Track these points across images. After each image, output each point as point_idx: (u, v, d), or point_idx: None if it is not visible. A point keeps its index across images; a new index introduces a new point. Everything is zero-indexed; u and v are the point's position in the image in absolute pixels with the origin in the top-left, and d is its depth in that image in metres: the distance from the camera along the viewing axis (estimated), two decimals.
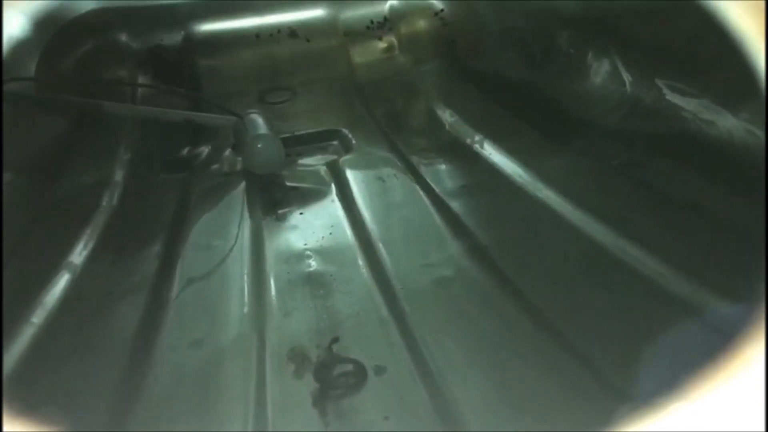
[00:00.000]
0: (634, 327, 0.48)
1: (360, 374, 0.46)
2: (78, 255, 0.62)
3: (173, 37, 1.03)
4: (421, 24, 1.08)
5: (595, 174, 0.69)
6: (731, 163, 0.60)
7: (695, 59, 0.63)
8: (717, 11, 0.31)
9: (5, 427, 0.19)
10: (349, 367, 0.47)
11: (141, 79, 1.00)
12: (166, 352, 0.51)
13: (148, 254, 0.65)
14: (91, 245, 0.65)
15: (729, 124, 0.61)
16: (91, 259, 0.63)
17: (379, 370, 0.47)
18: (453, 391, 0.45)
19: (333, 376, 0.46)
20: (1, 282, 0.49)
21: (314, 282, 0.58)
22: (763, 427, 0.20)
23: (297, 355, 0.49)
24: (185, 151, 0.86)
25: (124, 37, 1.02)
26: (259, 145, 0.77)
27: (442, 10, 1.08)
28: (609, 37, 0.78)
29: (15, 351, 0.49)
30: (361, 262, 0.61)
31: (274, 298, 0.56)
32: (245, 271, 0.60)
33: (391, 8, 1.09)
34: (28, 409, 0.21)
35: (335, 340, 0.50)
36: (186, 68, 1.01)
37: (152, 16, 1.02)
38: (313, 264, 0.61)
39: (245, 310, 0.55)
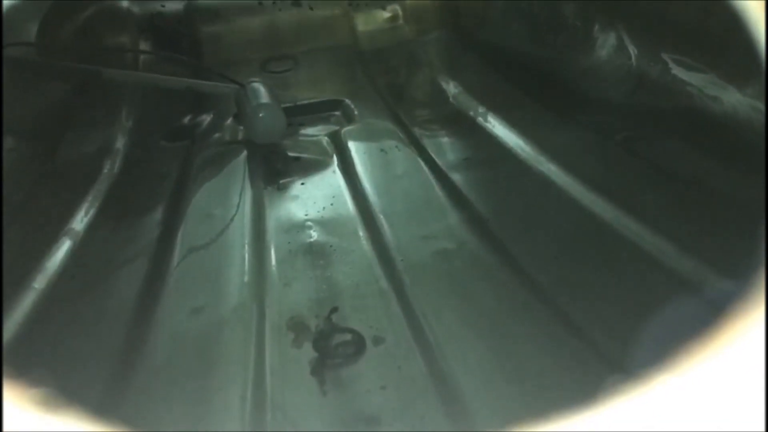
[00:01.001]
0: (634, 302, 0.48)
1: (358, 344, 0.47)
2: (79, 222, 0.63)
3: (175, 4, 1.02)
4: None
5: (598, 148, 0.69)
6: (735, 139, 0.60)
7: (702, 35, 0.63)
8: None
9: (5, 411, 0.19)
10: (348, 337, 0.47)
11: (142, 46, 1.00)
12: (166, 319, 0.52)
13: (149, 222, 0.65)
14: (92, 212, 0.65)
15: (734, 99, 0.61)
16: (93, 226, 0.63)
17: (378, 341, 0.47)
18: (450, 362, 0.45)
19: (332, 345, 0.47)
20: (1, 281, 0.49)
21: (315, 252, 0.58)
22: (763, 427, 0.20)
23: (296, 325, 0.49)
24: (187, 119, 0.85)
25: (125, 3, 1.00)
26: (261, 115, 0.76)
27: None
28: (615, 9, 0.77)
29: (16, 316, 0.49)
30: (361, 233, 0.61)
31: (274, 267, 0.56)
32: (246, 241, 0.60)
33: None
34: (28, 373, 0.21)
35: (334, 310, 0.50)
36: (187, 35, 1.00)
37: None
38: (314, 234, 0.61)
39: (245, 279, 0.55)
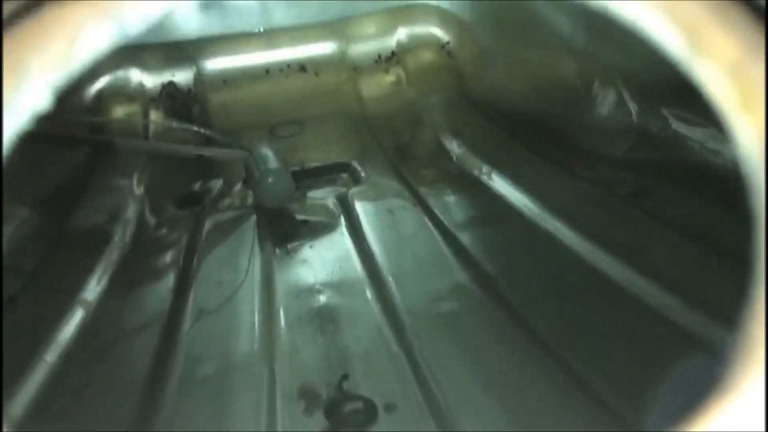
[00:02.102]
0: (641, 357, 0.48)
1: (370, 412, 0.46)
2: (91, 291, 0.63)
3: (185, 74, 1.05)
4: (428, 57, 1.10)
5: (602, 203, 0.69)
6: (739, 191, 0.60)
7: (699, 90, 0.63)
8: None
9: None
10: (359, 404, 0.47)
11: (153, 115, 1.02)
12: (177, 387, 0.51)
13: (160, 289, 0.65)
14: (104, 281, 0.65)
15: (735, 153, 0.61)
16: (104, 295, 0.63)
17: (389, 408, 0.47)
18: (463, 424, 0.44)
19: (343, 413, 0.46)
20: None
21: (324, 317, 0.58)
22: (763, 427, 0.20)
23: (307, 393, 0.49)
24: (197, 185, 0.87)
25: (136, 75, 1.03)
26: (269, 179, 0.78)
27: (448, 43, 1.10)
28: (613, 68, 0.79)
29: (28, 389, 0.49)
30: (370, 295, 0.61)
31: (284, 333, 0.57)
32: (256, 306, 0.60)
33: (399, 43, 1.11)
34: None
35: (345, 377, 0.50)
36: (197, 104, 1.03)
37: (164, 54, 1.04)
38: (323, 299, 0.61)
39: (255, 346, 0.55)
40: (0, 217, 0.63)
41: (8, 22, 0.14)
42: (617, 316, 0.53)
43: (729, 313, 0.46)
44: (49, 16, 0.14)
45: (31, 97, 0.14)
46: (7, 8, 0.14)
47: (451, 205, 0.78)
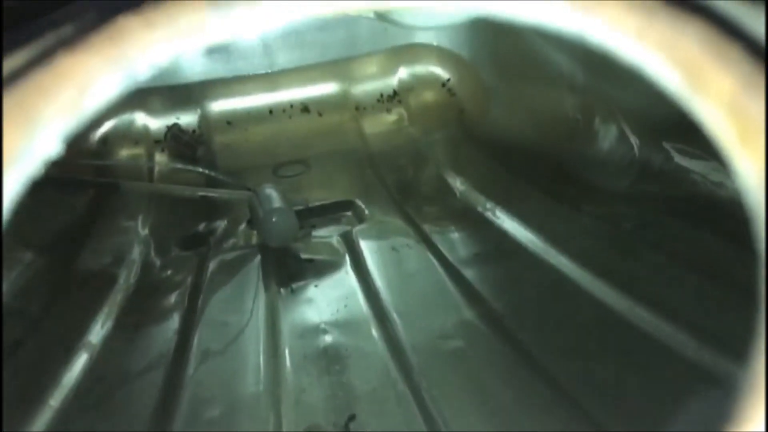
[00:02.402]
0: (654, 395, 0.47)
1: None
2: (96, 334, 0.63)
3: (189, 116, 1.06)
4: (429, 95, 1.11)
5: (608, 238, 0.69)
6: (744, 224, 0.60)
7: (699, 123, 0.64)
8: None
9: None
10: None
11: (158, 157, 1.03)
12: (182, 430, 0.51)
13: (165, 331, 0.65)
14: (108, 324, 0.65)
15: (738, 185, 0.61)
16: (109, 338, 0.63)
17: None
18: None
19: None
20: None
21: (330, 357, 0.58)
22: (763, 427, 0.19)
23: None
24: (201, 226, 0.87)
25: (141, 118, 1.05)
26: (273, 219, 0.78)
27: (448, 80, 1.11)
28: (614, 102, 0.80)
29: None
30: (376, 334, 0.61)
31: (289, 374, 0.56)
32: (261, 347, 0.60)
33: (400, 82, 1.12)
34: None
35: (352, 417, 0.49)
36: (202, 145, 1.04)
37: (169, 96, 1.06)
38: (329, 338, 0.61)
39: (261, 387, 0.54)
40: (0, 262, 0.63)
41: (21, 72, 0.15)
42: (627, 352, 0.52)
43: (741, 348, 0.46)
44: (61, 65, 0.15)
45: (42, 144, 0.14)
46: (21, 58, 0.15)
47: (455, 242, 0.78)
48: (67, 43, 0.14)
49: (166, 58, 0.15)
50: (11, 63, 0.15)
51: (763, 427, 0.18)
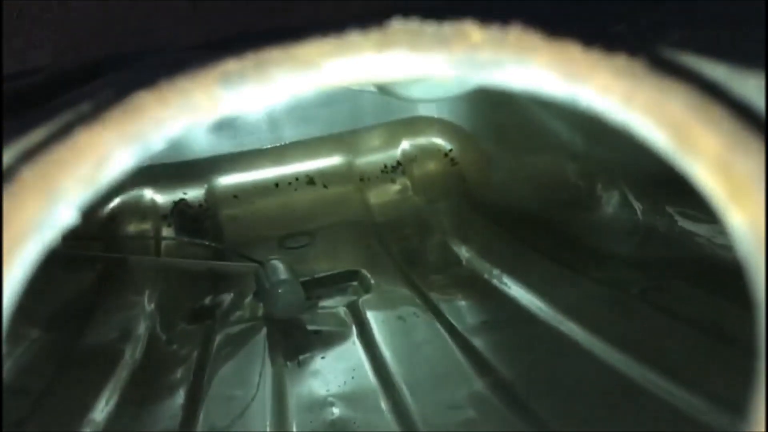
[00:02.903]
0: None
1: None
2: (100, 411, 0.62)
3: (196, 191, 1.08)
4: (432, 165, 1.13)
5: (616, 303, 0.69)
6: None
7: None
8: None
9: None
10: None
11: (165, 232, 1.04)
12: None
13: (171, 407, 0.64)
14: (113, 400, 0.64)
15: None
16: (114, 415, 0.62)
17: None
18: None
19: None
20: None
21: (338, 430, 0.57)
22: (763, 427, 0.19)
23: None
24: (207, 299, 0.87)
25: (148, 193, 1.07)
26: (279, 291, 0.78)
27: (451, 150, 1.13)
28: (616, 169, 0.81)
29: None
30: (384, 406, 0.60)
31: None
32: (267, 421, 0.59)
33: (403, 153, 1.14)
34: None
35: None
36: (208, 219, 1.05)
37: (176, 172, 1.07)
38: (336, 411, 0.60)
39: None
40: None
41: (42, 146, 0.15)
42: (642, 419, 0.51)
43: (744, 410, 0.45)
44: (80, 140, 0.15)
45: (61, 214, 0.15)
46: (42, 133, 0.16)
47: (463, 310, 0.77)
48: (85, 119, 0.15)
49: (179, 132, 0.16)
50: (33, 138, 0.15)
51: (763, 427, 0.18)
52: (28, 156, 0.15)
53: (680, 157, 0.16)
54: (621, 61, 0.15)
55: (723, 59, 0.17)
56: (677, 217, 0.71)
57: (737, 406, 0.46)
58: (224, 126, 1.08)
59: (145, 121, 0.15)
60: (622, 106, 0.16)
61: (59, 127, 0.15)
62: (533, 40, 0.16)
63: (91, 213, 1.01)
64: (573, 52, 0.16)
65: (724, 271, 0.63)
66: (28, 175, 0.14)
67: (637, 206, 0.78)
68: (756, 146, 0.15)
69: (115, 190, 1.05)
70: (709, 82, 0.16)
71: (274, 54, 0.16)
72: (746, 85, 0.16)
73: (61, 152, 0.15)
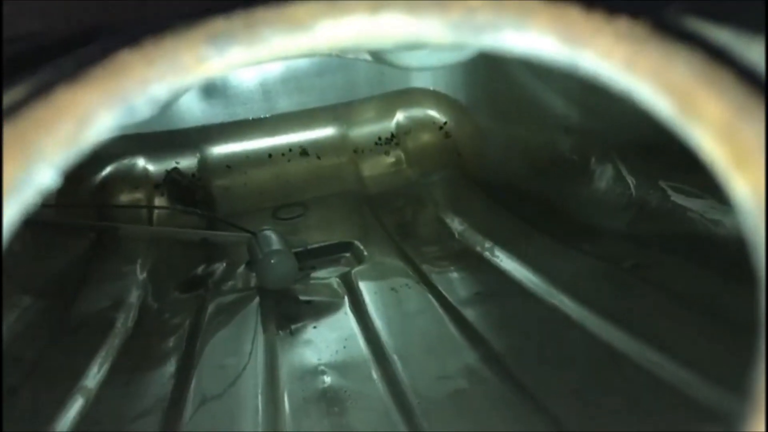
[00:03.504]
0: None
1: None
2: (92, 378, 0.62)
3: (188, 160, 1.07)
4: (427, 138, 1.12)
5: (608, 277, 0.69)
6: (742, 260, 0.60)
7: (695, 161, 0.64)
8: None
9: None
10: None
11: (157, 201, 1.04)
12: None
13: (162, 375, 0.64)
14: (105, 368, 0.64)
15: (736, 222, 0.61)
16: (105, 383, 0.62)
17: None
18: None
19: None
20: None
21: (329, 399, 0.57)
22: (763, 427, 0.19)
23: None
24: (200, 269, 0.87)
25: (141, 162, 1.06)
26: (272, 261, 0.78)
27: (446, 123, 1.13)
28: (610, 142, 0.81)
29: None
30: (376, 376, 0.60)
31: (288, 417, 0.55)
32: (259, 390, 0.59)
33: (398, 125, 1.14)
34: None
35: None
36: (201, 189, 1.05)
37: (168, 141, 1.07)
38: (328, 380, 0.60)
39: (259, 430, 0.53)
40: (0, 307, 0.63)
41: (21, 105, 0.15)
42: (632, 392, 0.51)
43: (742, 385, 0.45)
44: (60, 99, 0.15)
45: (38, 176, 0.15)
46: (21, 91, 0.15)
47: (455, 282, 0.78)
48: (66, 78, 0.15)
49: (165, 94, 0.15)
50: (12, 96, 0.15)
51: (763, 427, 0.18)
52: (7, 114, 0.14)
53: (683, 125, 0.16)
54: (623, 24, 0.15)
55: (727, 23, 0.16)
56: (670, 192, 0.71)
57: (726, 380, 0.46)
58: (216, 94, 1.07)
59: (129, 81, 0.15)
60: (624, 72, 0.15)
61: (39, 85, 0.15)
62: (532, 2, 0.15)
63: (81, 181, 1.00)
64: (573, 15, 0.15)
65: (716, 246, 0.63)
66: (6, 134, 0.14)
67: (631, 180, 0.77)
68: (762, 113, 0.14)
69: (106, 158, 1.04)
70: (714, 46, 0.15)
71: (264, 13, 0.16)
72: (751, 50, 0.16)
73: (40, 111, 0.14)
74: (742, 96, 0.15)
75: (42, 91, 0.15)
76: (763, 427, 0.18)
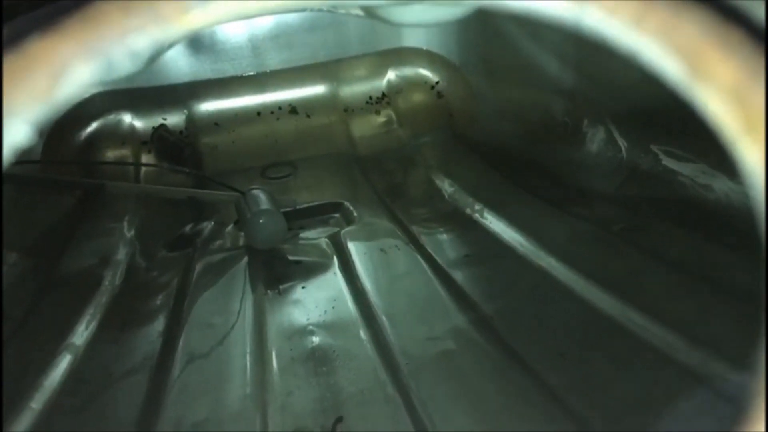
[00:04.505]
0: (644, 397, 0.47)
1: None
2: (80, 336, 0.62)
3: (176, 117, 1.06)
4: (418, 97, 1.11)
5: (597, 240, 0.69)
6: (732, 225, 0.60)
7: (687, 125, 0.64)
8: None
9: None
10: None
11: (144, 158, 1.02)
12: None
13: (150, 333, 0.64)
14: (93, 325, 0.64)
15: (726, 187, 0.62)
16: (93, 340, 0.62)
17: None
18: None
19: None
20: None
21: (317, 359, 0.57)
22: (763, 427, 0.19)
23: None
24: (188, 228, 0.86)
25: (127, 118, 1.04)
26: (261, 221, 0.77)
27: (438, 83, 1.11)
28: (603, 105, 0.80)
29: None
30: (364, 336, 0.60)
31: (276, 376, 0.55)
32: (247, 349, 0.59)
33: (389, 83, 1.12)
34: None
35: (339, 420, 0.49)
36: (189, 146, 1.03)
37: (155, 97, 1.05)
38: (316, 340, 0.60)
39: (247, 390, 0.54)
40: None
41: None
42: (618, 355, 0.52)
43: (730, 349, 0.46)
44: (33, 51, 0.14)
45: (12, 132, 0.14)
46: None
47: (444, 244, 0.77)
48: (40, 27, 0.14)
49: (146, 47, 0.15)
50: None
51: (763, 427, 0.18)
52: None
53: (691, 88, 0.15)
54: None
55: None
56: (661, 156, 0.71)
57: (713, 344, 0.47)
58: (204, 50, 1.05)
59: (106, 31, 0.14)
60: (631, 29, 0.15)
61: (10, 36, 0.14)
62: None
63: (67, 137, 0.99)
64: None
65: (706, 211, 0.63)
66: None
67: (622, 144, 0.77)
68: None
69: (91, 113, 1.02)
70: (726, 5, 0.15)
71: None
72: (764, 9, 0.15)
73: (12, 64, 0.14)
74: (755, 57, 0.14)
75: (14, 42, 0.14)
76: (763, 427, 0.17)
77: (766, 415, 0.17)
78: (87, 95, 1.00)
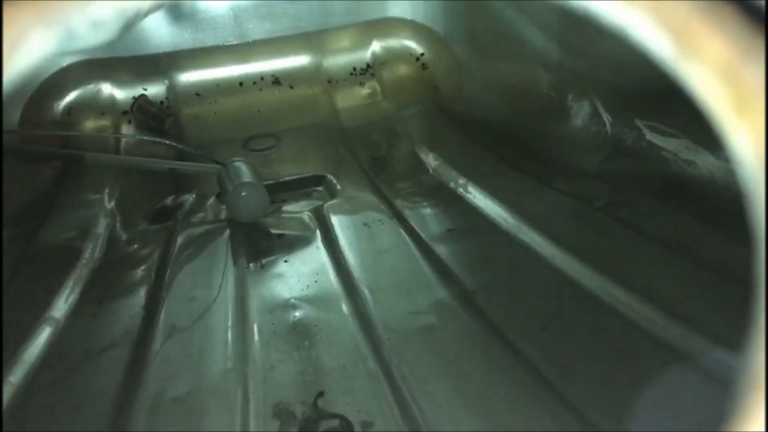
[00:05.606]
0: (623, 372, 0.47)
1: (346, 430, 0.45)
2: (59, 309, 0.61)
3: (156, 87, 1.04)
4: (403, 69, 1.10)
5: (580, 215, 0.69)
6: (714, 202, 0.60)
7: (673, 100, 0.64)
8: None
9: None
10: (335, 423, 0.46)
11: (125, 129, 1.01)
12: (147, 408, 0.50)
13: (131, 306, 0.64)
14: (72, 298, 0.63)
15: (709, 163, 0.62)
16: (73, 313, 0.61)
17: (366, 425, 0.46)
18: None
19: None
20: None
21: (299, 333, 0.57)
22: (762, 427, 0.19)
23: (282, 412, 0.47)
24: (169, 200, 0.85)
25: (107, 88, 1.02)
26: (243, 193, 0.76)
27: (423, 54, 1.10)
28: (588, 79, 0.80)
29: None
30: (346, 310, 0.60)
31: (258, 350, 0.55)
32: (229, 323, 0.59)
33: (374, 55, 1.11)
34: None
35: (321, 394, 0.49)
36: (170, 117, 1.02)
37: (135, 67, 1.03)
38: (298, 314, 0.60)
39: (229, 364, 0.53)
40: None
41: None
42: (598, 330, 0.52)
43: (710, 325, 0.46)
44: None
45: None
46: None
47: (427, 218, 0.77)
48: None
49: (111, 17, 0.14)
50: None
51: (763, 427, 0.18)
52: None
53: (681, 65, 0.15)
54: None
55: None
56: (645, 131, 0.71)
57: (693, 320, 0.47)
58: (185, 19, 1.03)
59: (66, 1, 0.13)
60: (622, 5, 0.14)
61: None
62: None
63: (45, 107, 0.97)
64: None
65: (689, 187, 0.63)
66: None
67: (607, 118, 0.77)
68: None
69: (70, 83, 1.00)
70: None
71: None
72: None
73: None
74: (748, 36, 0.14)
75: None
76: (763, 427, 0.17)
77: (766, 415, 0.17)
78: (64, 64, 0.98)
